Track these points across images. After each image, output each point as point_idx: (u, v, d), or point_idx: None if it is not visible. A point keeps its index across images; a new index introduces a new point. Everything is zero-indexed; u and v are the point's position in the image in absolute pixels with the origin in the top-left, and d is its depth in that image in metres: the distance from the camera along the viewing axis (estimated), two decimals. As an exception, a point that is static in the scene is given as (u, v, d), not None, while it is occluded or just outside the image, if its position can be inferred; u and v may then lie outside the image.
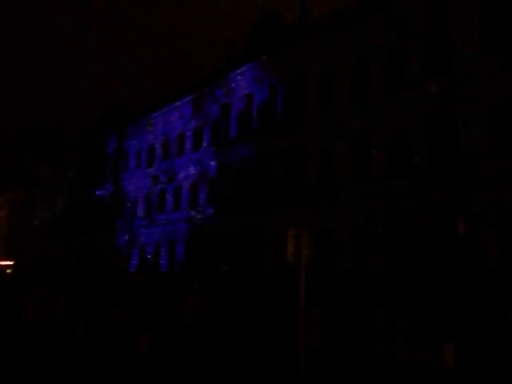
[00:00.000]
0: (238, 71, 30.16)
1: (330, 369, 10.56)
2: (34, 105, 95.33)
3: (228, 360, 11.51)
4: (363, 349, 11.62)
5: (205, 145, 32.00)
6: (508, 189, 16.90)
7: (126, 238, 38.24)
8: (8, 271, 48.31)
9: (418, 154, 20.03)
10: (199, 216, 31.05)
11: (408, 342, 11.86)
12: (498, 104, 17.80)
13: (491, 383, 9.80)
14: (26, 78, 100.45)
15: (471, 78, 18.45)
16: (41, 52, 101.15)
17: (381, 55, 22.19)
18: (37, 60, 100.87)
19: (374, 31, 22.42)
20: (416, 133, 20.28)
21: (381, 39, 22.15)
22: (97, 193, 42.96)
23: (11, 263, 50.93)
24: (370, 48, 22.59)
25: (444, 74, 19.50)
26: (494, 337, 11.73)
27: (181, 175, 33.50)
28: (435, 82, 19.49)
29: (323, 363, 10.77)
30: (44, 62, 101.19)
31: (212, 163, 30.95)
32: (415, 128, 20.33)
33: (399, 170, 20.68)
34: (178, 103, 35.03)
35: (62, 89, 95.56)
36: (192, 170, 32.54)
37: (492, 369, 10.19)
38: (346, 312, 13.62)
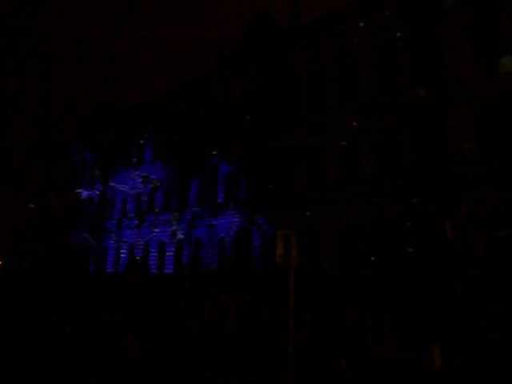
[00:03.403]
0: (230, 72, 30.19)
1: (318, 370, 10.59)
2: (29, 103, 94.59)
3: (218, 360, 11.51)
4: (352, 350, 11.66)
5: (195, 145, 31.95)
6: (495, 191, 17.07)
7: (115, 238, 38.05)
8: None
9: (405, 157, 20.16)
10: (189, 217, 30.99)
11: (396, 343, 11.94)
12: (487, 107, 17.98)
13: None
14: (23, 76, 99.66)
15: (460, 81, 18.62)
16: (37, 51, 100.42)
17: (371, 57, 22.34)
18: (34, 59, 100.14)
19: (365, 33, 22.56)
20: (405, 135, 20.45)
21: (372, 42, 22.31)
22: (85, 193, 42.73)
23: (-1, 263, 50.46)
24: (360, 50, 22.73)
25: (433, 76, 19.68)
26: (481, 338, 11.83)
27: (171, 175, 33.42)
28: (425, 84, 19.67)
29: (311, 364, 10.81)
30: (40, 61, 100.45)
31: (202, 164, 30.90)
32: (404, 130, 20.49)
33: (388, 172, 20.82)
34: (171, 104, 34.98)
35: (56, 86, 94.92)
36: (182, 171, 32.47)
37: (479, 370, 10.29)
38: (334, 313, 13.67)
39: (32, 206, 51.16)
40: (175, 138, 33.96)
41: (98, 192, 41.23)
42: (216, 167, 29.79)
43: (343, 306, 13.31)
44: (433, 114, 19.58)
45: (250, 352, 12.51)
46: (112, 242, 38.52)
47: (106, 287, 24.81)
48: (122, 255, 36.94)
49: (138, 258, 34.94)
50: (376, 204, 20.74)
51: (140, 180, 36.33)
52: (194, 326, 16.68)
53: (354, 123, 22.25)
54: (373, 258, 20.49)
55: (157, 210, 34.29)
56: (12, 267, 47.51)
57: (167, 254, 32.49)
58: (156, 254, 33.55)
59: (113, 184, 39.49)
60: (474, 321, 12.85)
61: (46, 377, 9.91)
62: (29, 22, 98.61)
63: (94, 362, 11.08)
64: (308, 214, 23.26)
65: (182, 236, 31.30)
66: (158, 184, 34.35)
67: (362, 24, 22.76)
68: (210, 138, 30.90)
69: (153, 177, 35.06)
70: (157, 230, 33.74)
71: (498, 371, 10.13)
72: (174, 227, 31.58)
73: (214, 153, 29.94)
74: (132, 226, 36.47)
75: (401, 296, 16.11)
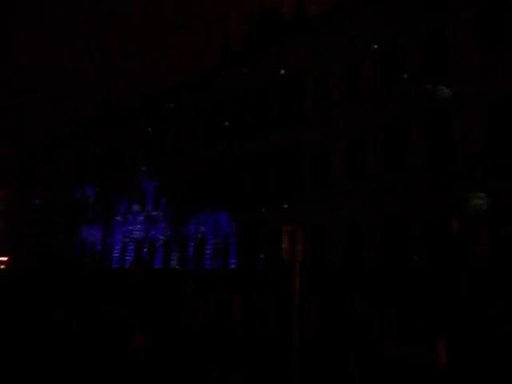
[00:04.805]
0: (235, 68, 30.16)
1: (325, 365, 10.60)
2: (31, 98, 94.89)
3: (223, 357, 11.53)
4: (358, 345, 11.67)
5: (200, 141, 31.97)
6: (502, 188, 16.98)
7: (120, 234, 38.17)
8: (1, 267, 48.18)
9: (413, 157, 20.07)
10: (194, 213, 31.03)
11: (402, 338, 11.92)
12: (494, 103, 17.86)
13: (483, 379, 9.87)
14: (21, 72, 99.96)
15: (467, 76, 18.50)
16: (37, 48, 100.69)
17: (377, 53, 22.23)
18: (33, 55, 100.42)
19: (371, 29, 22.44)
20: (411, 131, 20.35)
21: (378, 37, 22.19)
22: (90, 189, 42.85)
23: (5, 259, 50.81)
24: (366, 46, 22.61)
25: (440, 72, 19.56)
26: (486, 334, 11.79)
27: (176, 171, 33.47)
28: (431, 79, 19.55)
29: (318, 359, 10.81)
30: (40, 57, 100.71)
31: (207, 159, 30.92)
32: (411, 126, 20.40)
33: (394, 168, 20.75)
34: (171, 104, 35.00)
35: (59, 84, 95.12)
36: (187, 167, 32.51)
37: (484, 365, 10.26)
38: (340, 308, 13.66)
39: (37, 202, 51.41)
40: (180, 134, 33.98)
41: (103, 188, 41.34)
42: (221, 163, 29.79)
43: (349, 301, 13.29)
44: (439, 110, 19.47)
45: (255, 347, 12.53)
46: (117, 238, 38.66)
47: (112, 283, 24.87)
48: (128, 251, 37.07)
49: (143, 253, 35.06)
50: (382, 200, 20.68)
51: (146, 176, 36.42)
52: (200, 322, 16.71)
53: (360, 119, 22.17)
54: (379, 254, 20.44)
55: (163, 206, 34.34)
56: (18, 264, 47.79)
57: (173, 250, 32.54)
58: (162, 249, 33.63)
59: (119, 181, 39.52)
60: (479, 316, 12.80)
61: (50, 370, 9.96)
62: (30, 21, 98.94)
63: (100, 357, 11.13)
64: (313, 209, 23.23)
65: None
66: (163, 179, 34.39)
67: (367, 19, 22.65)
68: (214, 133, 30.90)
69: (158, 172, 35.15)
70: (163, 226, 33.81)
71: (503, 366, 10.10)
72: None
73: (219, 148, 29.94)
74: (138, 222, 36.56)
75: (407, 291, 16.07)
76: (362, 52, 22.78)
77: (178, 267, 31.12)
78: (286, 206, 24.52)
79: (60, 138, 52.35)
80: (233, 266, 27.47)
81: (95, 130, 44.29)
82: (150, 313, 17.66)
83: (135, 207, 37.53)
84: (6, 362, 10.45)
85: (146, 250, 35.14)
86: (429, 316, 12.53)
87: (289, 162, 25.67)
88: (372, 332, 12.05)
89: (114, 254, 38.72)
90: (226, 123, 30.11)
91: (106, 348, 12.07)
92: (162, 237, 33.83)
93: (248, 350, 12.34)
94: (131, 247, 36.88)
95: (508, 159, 17.00)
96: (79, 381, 9.45)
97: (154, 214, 35.12)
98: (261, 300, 16.60)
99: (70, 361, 10.82)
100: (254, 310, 16.44)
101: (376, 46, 22.18)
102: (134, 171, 37.95)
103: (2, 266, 48.50)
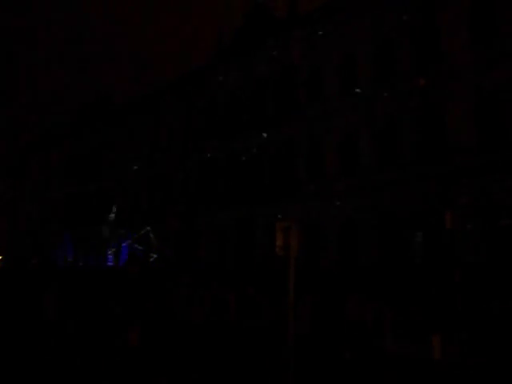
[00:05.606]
0: (228, 64, 30.05)
1: (319, 359, 10.65)
2: (25, 92, 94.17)
3: (219, 352, 11.55)
4: (353, 341, 11.73)
5: (194, 138, 31.88)
6: (495, 181, 17.06)
7: (115, 232, 38.02)
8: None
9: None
10: (189, 210, 30.98)
11: (396, 334, 11.99)
12: (485, 97, 17.91)
13: (478, 374, 9.95)
14: (18, 67, 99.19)
15: (459, 71, 18.55)
16: (33, 40, 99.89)
17: (370, 49, 22.21)
18: (27, 49, 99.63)
19: (364, 25, 22.41)
20: (405, 125, 20.38)
21: (370, 33, 22.17)
22: (85, 186, 42.63)
23: (-1, 258, 50.48)
24: (359, 41, 22.59)
25: (432, 66, 19.59)
26: (481, 328, 11.88)
27: (170, 168, 33.39)
28: (424, 74, 19.59)
29: (312, 353, 10.87)
30: (34, 51, 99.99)
31: (201, 157, 30.84)
32: (404, 121, 20.42)
33: (388, 163, 20.78)
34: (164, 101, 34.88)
35: (53, 78, 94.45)
36: (181, 163, 32.43)
37: (479, 360, 10.34)
38: (334, 305, 13.72)
39: (31, 199, 51.16)
40: (173, 131, 33.85)
41: (98, 185, 41.14)
42: (215, 159, 29.73)
43: (344, 297, 13.36)
44: (432, 105, 19.51)
45: (250, 343, 12.56)
46: (113, 235, 38.50)
47: (107, 281, 24.84)
48: (123, 249, 36.95)
49: (138, 251, 34.95)
50: (376, 195, 20.72)
51: (138, 172, 36.28)
52: (195, 318, 16.73)
53: (353, 114, 22.17)
54: (373, 249, 20.50)
55: (157, 204, 34.24)
56: (13, 263, 47.52)
57: (168, 246, 32.47)
58: (157, 246, 33.53)
59: (114, 176, 39.33)
60: (473, 309, 12.90)
61: (49, 368, 9.96)
62: (23, 20, 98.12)
63: (97, 353, 11.13)
64: (307, 205, 23.25)
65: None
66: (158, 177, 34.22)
67: (360, 13, 22.61)
68: (208, 130, 30.80)
69: (150, 169, 35.03)
70: (158, 223, 33.71)
71: (497, 359, 10.18)
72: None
73: (213, 145, 29.87)
74: (133, 219, 36.44)
75: (402, 287, 16.15)
76: (356, 47, 22.75)
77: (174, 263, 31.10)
78: (280, 201, 24.53)
79: (53, 135, 51.99)
80: (229, 262, 27.44)
81: (88, 127, 44.03)
82: (146, 309, 17.66)
83: (130, 204, 37.38)
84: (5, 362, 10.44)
85: (141, 248, 35.03)
86: (424, 311, 12.61)
87: (283, 157, 25.66)
88: (367, 327, 12.13)
89: (108, 252, 38.57)
90: (220, 119, 30.01)
91: (102, 345, 12.08)
92: (157, 234, 33.70)
93: (244, 344, 12.38)
94: (125, 245, 36.75)
95: (499, 152, 17.08)
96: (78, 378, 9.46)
97: (149, 211, 34.98)
98: (257, 296, 16.63)
99: (66, 360, 10.81)
100: (250, 305, 16.47)
101: (369, 41, 22.16)
102: (126, 168, 37.78)
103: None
